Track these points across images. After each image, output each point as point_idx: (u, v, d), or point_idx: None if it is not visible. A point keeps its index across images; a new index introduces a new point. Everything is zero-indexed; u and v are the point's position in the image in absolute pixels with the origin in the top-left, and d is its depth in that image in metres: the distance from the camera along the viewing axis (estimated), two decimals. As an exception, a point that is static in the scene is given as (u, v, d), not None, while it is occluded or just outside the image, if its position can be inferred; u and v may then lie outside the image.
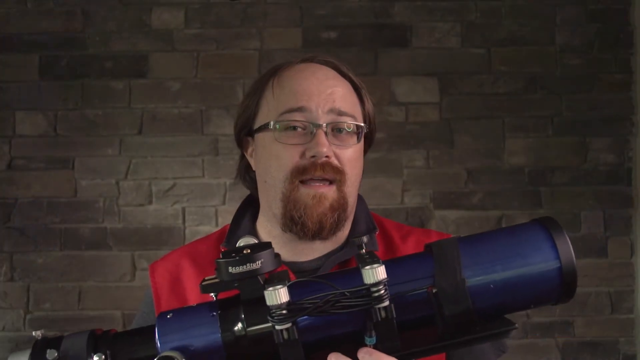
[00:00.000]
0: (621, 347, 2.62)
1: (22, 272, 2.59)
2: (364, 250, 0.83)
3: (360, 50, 2.65)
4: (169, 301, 1.08)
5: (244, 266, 0.77)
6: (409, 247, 1.11)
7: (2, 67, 2.62)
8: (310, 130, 1.04)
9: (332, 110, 1.05)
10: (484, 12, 2.67)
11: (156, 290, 1.10)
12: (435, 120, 2.65)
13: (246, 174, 1.17)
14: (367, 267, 0.76)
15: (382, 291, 0.75)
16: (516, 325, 0.82)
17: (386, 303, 0.76)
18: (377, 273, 0.75)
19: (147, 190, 2.62)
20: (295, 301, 0.76)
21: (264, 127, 1.07)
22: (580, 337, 2.62)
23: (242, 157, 1.17)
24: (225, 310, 0.80)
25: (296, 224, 1.03)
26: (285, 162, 1.03)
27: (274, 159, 1.05)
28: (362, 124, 1.09)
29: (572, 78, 2.66)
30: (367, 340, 0.77)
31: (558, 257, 0.81)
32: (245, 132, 1.13)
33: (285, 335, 0.76)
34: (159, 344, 0.79)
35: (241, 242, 0.81)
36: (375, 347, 0.77)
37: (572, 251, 0.81)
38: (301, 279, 0.81)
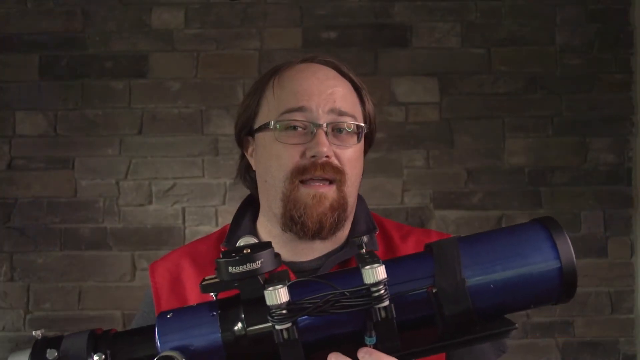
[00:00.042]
0: (621, 347, 2.62)
1: (22, 272, 2.59)
2: (364, 250, 0.83)
3: (360, 50, 2.65)
4: (169, 301, 1.08)
5: (244, 266, 0.77)
6: (409, 247, 1.11)
7: (2, 67, 2.63)
8: (310, 130, 1.04)
9: (332, 110, 1.05)
10: (484, 12, 2.67)
11: (156, 290, 1.10)
12: (435, 120, 2.65)
13: (246, 173, 1.17)
14: (367, 267, 0.76)
15: (382, 291, 0.75)
16: (516, 325, 0.82)
17: (386, 303, 0.76)
18: (377, 273, 0.75)
19: (147, 190, 2.62)
20: (295, 301, 0.76)
21: (265, 127, 1.07)
22: (580, 337, 2.62)
23: (243, 156, 1.17)
24: (225, 310, 0.80)
25: (296, 223, 1.03)
26: (286, 162, 1.04)
27: (274, 159, 1.05)
28: (363, 124, 1.09)
29: (572, 78, 2.66)
30: (367, 340, 0.77)
31: (558, 257, 0.81)
32: (246, 131, 1.13)
33: (285, 335, 0.76)
34: (159, 344, 0.79)
35: (241, 242, 0.81)
36: (375, 347, 0.77)
37: (573, 251, 0.81)
38: (301, 278, 0.81)
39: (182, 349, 0.78)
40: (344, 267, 1.07)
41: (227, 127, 2.59)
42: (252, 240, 0.82)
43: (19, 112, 2.62)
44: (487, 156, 2.64)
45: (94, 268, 2.59)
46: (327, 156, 1.02)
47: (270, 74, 1.12)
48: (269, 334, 0.77)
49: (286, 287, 0.76)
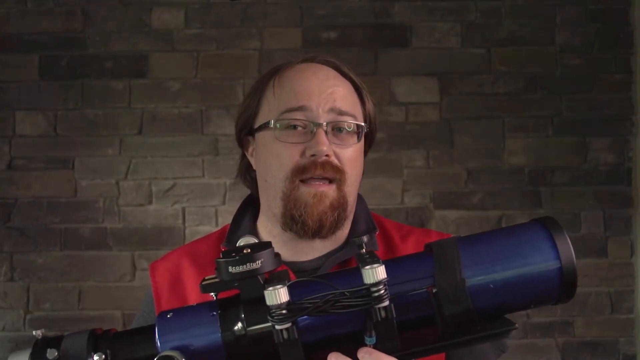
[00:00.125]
0: (621, 347, 2.62)
1: (22, 272, 2.59)
2: (364, 250, 0.83)
3: (360, 50, 2.65)
4: (169, 301, 1.08)
5: (244, 266, 0.77)
6: (409, 247, 1.11)
7: (2, 67, 2.63)
8: (310, 129, 1.04)
9: (332, 110, 1.05)
10: (484, 12, 2.67)
11: (156, 290, 1.10)
12: (435, 120, 2.65)
13: (247, 173, 1.17)
14: (367, 267, 0.76)
15: (382, 291, 0.75)
16: (516, 325, 0.82)
17: (386, 303, 0.76)
18: (377, 273, 0.75)
19: (147, 190, 2.62)
20: (295, 301, 0.76)
21: (265, 126, 1.07)
22: (580, 337, 2.62)
23: (243, 156, 1.17)
24: (225, 309, 0.80)
25: (296, 222, 1.03)
26: (286, 161, 1.04)
27: (274, 158, 1.05)
28: (363, 124, 1.09)
29: (572, 78, 2.66)
30: (367, 340, 0.77)
31: (558, 257, 0.81)
32: (246, 131, 1.13)
33: (285, 335, 0.76)
34: (159, 344, 0.79)
35: (241, 242, 0.81)
36: (375, 347, 0.77)
37: (572, 251, 0.81)
38: (301, 278, 0.81)
39: (182, 349, 0.78)
40: (344, 267, 1.07)
41: (227, 127, 2.59)
42: (252, 240, 0.82)
43: (19, 112, 2.62)
44: (487, 156, 2.64)
45: (94, 268, 2.59)
46: (327, 155, 1.02)
47: (270, 73, 1.12)
48: (269, 334, 0.77)
49: (286, 287, 0.76)
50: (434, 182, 2.63)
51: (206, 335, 0.79)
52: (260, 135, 1.09)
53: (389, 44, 2.66)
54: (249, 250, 0.78)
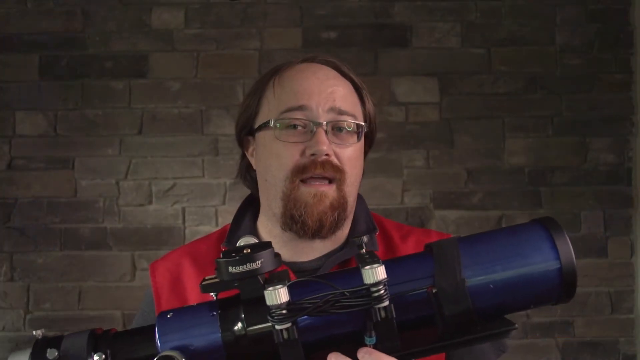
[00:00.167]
0: (621, 347, 2.62)
1: (22, 272, 2.59)
2: (364, 250, 0.83)
3: (360, 50, 2.65)
4: (170, 300, 1.08)
5: (244, 266, 0.77)
6: (409, 247, 1.11)
7: (2, 67, 2.63)
8: (310, 129, 1.04)
9: (332, 109, 1.05)
10: (484, 12, 2.67)
11: (156, 290, 1.11)
12: (435, 120, 2.65)
13: (247, 173, 1.17)
14: (367, 267, 0.76)
15: (382, 291, 0.75)
16: (516, 325, 0.82)
17: (386, 303, 0.76)
18: (377, 273, 0.75)
19: (147, 190, 2.62)
20: (295, 301, 0.76)
21: (265, 126, 1.07)
22: (580, 337, 2.62)
23: (243, 156, 1.17)
24: (225, 309, 0.80)
25: (296, 222, 1.03)
26: (286, 161, 1.04)
27: (274, 158, 1.05)
28: (363, 123, 1.09)
29: (572, 78, 2.66)
30: (367, 340, 0.78)
31: (558, 257, 0.81)
32: (246, 131, 1.13)
33: (285, 335, 0.76)
34: (159, 344, 0.79)
35: (241, 242, 0.81)
36: (375, 347, 0.77)
37: (572, 251, 0.81)
38: (301, 278, 0.81)
39: (182, 349, 0.78)
40: (344, 267, 1.07)
41: (227, 127, 2.59)
42: (252, 240, 0.82)
43: (19, 112, 2.62)
44: (487, 156, 2.64)
45: (94, 268, 2.59)
46: (326, 154, 1.03)
47: (270, 73, 1.12)
48: (269, 334, 0.77)
49: (286, 287, 0.76)
50: (434, 182, 2.63)
51: (206, 335, 0.79)
52: (260, 135, 1.09)
53: (389, 44, 2.66)
54: (249, 251, 0.78)
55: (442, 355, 1.05)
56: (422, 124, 2.64)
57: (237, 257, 0.77)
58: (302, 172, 1.03)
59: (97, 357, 0.79)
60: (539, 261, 0.81)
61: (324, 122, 1.04)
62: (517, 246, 0.83)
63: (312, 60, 1.12)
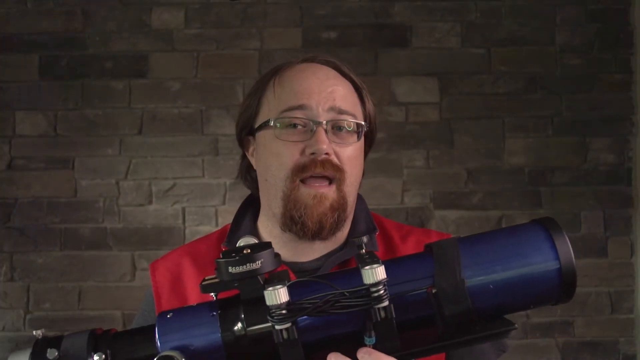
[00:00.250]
0: (621, 347, 2.62)
1: (22, 272, 2.59)
2: (363, 251, 0.83)
3: (360, 50, 2.65)
4: (170, 300, 1.08)
5: (244, 266, 0.77)
6: (409, 247, 1.11)
7: (2, 67, 2.63)
8: (310, 128, 1.04)
9: (332, 109, 1.05)
10: (484, 12, 2.67)
11: (157, 290, 1.11)
12: (435, 120, 2.65)
13: (247, 173, 1.17)
14: (367, 267, 0.76)
15: (382, 291, 0.75)
16: (516, 325, 0.82)
17: (385, 303, 0.76)
18: (376, 273, 0.75)
19: (147, 190, 2.62)
20: (295, 301, 0.76)
21: (265, 125, 1.07)
22: (580, 337, 2.62)
23: (244, 156, 1.17)
24: (225, 310, 0.80)
25: (296, 223, 1.03)
26: (286, 160, 1.04)
27: (274, 157, 1.05)
28: (362, 123, 1.09)
29: (572, 78, 2.66)
30: (367, 340, 0.78)
31: (557, 258, 0.81)
32: (247, 131, 1.13)
33: (285, 335, 0.76)
34: (159, 344, 0.79)
35: (241, 242, 0.82)
36: (375, 347, 0.78)
37: (572, 251, 0.81)
38: (301, 279, 0.81)
39: (182, 349, 0.78)
40: (344, 267, 1.07)
41: (227, 127, 2.59)
42: (252, 240, 0.82)
43: (19, 112, 2.62)
44: (487, 156, 2.64)
45: (94, 268, 2.59)
46: (326, 153, 1.03)
47: (270, 73, 1.12)
48: (269, 334, 0.77)
49: (286, 287, 0.76)
50: (434, 182, 2.63)
51: (206, 335, 0.79)
52: (260, 135, 1.10)
53: (389, 44, 2.66)
54: (249, 251, 0.78)
55: (442, 355, 1.05)
56: (422, 124, 2.64)
57: (237, 257, 0.77)
58: (302, 171, 1.03)
59: (97, 357, 0.79)
60: (538, 261, 0.81)
61: (324, 121, 1.04)
62: (516, 246, 0.83)
63: (312, 60, 1.12)
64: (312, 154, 1.03)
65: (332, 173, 1.03)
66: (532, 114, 2.65)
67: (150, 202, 2.62)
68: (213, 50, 2.65)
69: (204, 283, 0.81)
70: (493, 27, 2.67)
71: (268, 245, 0.81)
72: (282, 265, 0.84)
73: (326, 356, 0.77)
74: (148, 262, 2.46)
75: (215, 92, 2.64)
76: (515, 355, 2.55)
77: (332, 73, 1.10)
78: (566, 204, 2.63)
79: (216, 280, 0.80)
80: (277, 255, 0.81)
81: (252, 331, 0.78)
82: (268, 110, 1.09)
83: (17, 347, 2.55)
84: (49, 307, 2.59)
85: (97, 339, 0.81)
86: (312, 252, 1.09)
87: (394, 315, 0.76)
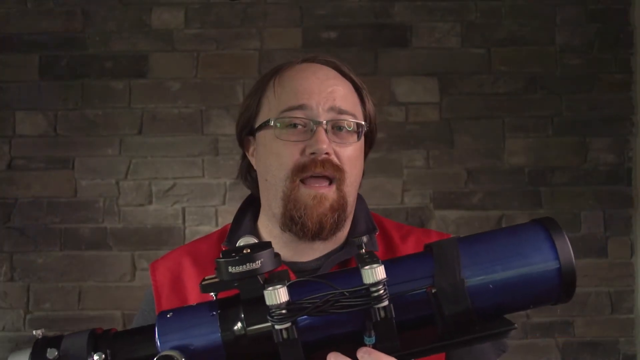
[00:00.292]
0: (621, 347, 2.62)
1: (22, 272, 2.59)
2: (363, 250, 0.83)
3: (360, 50, 2.65)
4: (170, 300, 1.08)
5: (244, 266, 0.77)
6: (409, 247, 1.11)
7: (2, 67, 2.63)
8: (310, 128, 1.04)
9: (332, 109, 1.05)
10: (484, 12, 2.67)
11: (157, 289, 1.11)
12: (435, 120, 2.65)
13: (247, 173, 1.17)
14: (367, 267, 0.76)
15: (382, 291, 0.75)
16: (515, 325, 0.82)
17: (385, 303, 0.76)
18: (376, 273, 0.75)
19: (147, 190, 2.62)
20: (294, 301, 0.76)
21: (265, 125, 1.07)
22: (580, 337, 2.62)
23: (244, 156, 1.17)
24: (225, 309, 0.80)
25: (296, 223, 1.04)
26: (286, 160, 1.04)
27: (274, 157, 1.05)
28: (362, 122, 1.09)
29: (572, 78, 2.66)
30: (367, 340, 0.78)
31: (557, 258, 0.81)
32: (247, 131, 1.13)
33: (285, 334, 0.76)
34: (158, 343, 0.79)
35: (241, 242, 0.82)
36: (375, 346, 0.78)
37: (572, 251, 0.81)
38: (301, 278, 0.81)
39: (182, 349, 0.78)
40: (344, 267, 1.07)
41: (227, 127, 2.59)
42: (252, 240, 0.82)
43: (19, 112, 2.62)
44: (487, 156, 2.64)
45: (94, 268, 2.59)
46: (327, 153, 1.03)
47: (271, 73, 1.12)
48: (269, 333, 0.77)
49: (286, 287, 0.76)
50: (434, 182, 2.63)
51: (206, 335, 0.79)
52: (260, 135, 1.10)
53: (389, 44, 2.66)
54: (249, 251, 0.78)
55: (442, 355, 1.05)
56: (422, 124, 2.64)
57: (237, 257, 0.77)
58: (302, 171, 1.03)
59: (97, 357, 0.79)
60: (538, 261, 0.81)
61: (324, 121, 1.04)
62: (516, 246, 0.83)
63: (312, 60, 1.12)
64: (312, 153, 1.03)
65: (332, 173, 1.03)
66: (532, 114, 2.65)
67: (150, 202, 2.62)
68: (213, 50, 2.65)
69: (203, 283, 0.81)
70: (493, 27, 2.67)
71: (268, 245, 0.81)
72: (282, 265, 0.84)
73: (326, 356, 0.77)
74: (148, 262, 2.46)
75: (215, 92, 2.64)
76: (515, 355, 2.55)
77: (332, 73, 1.10)
78: (566, 204, 2.63)
79: (216, 280, 0.80)
80: (277, 255, 0.81)
81: (252, 331, 0.78)
82: (268, 110, 1.09)
83: (17, 347, 2.55)
84: (49, 307, 2.59)
85: (97, 339, 0.81)
86: (312, 252, 1.09)
87: (394, 315, 0.76)
